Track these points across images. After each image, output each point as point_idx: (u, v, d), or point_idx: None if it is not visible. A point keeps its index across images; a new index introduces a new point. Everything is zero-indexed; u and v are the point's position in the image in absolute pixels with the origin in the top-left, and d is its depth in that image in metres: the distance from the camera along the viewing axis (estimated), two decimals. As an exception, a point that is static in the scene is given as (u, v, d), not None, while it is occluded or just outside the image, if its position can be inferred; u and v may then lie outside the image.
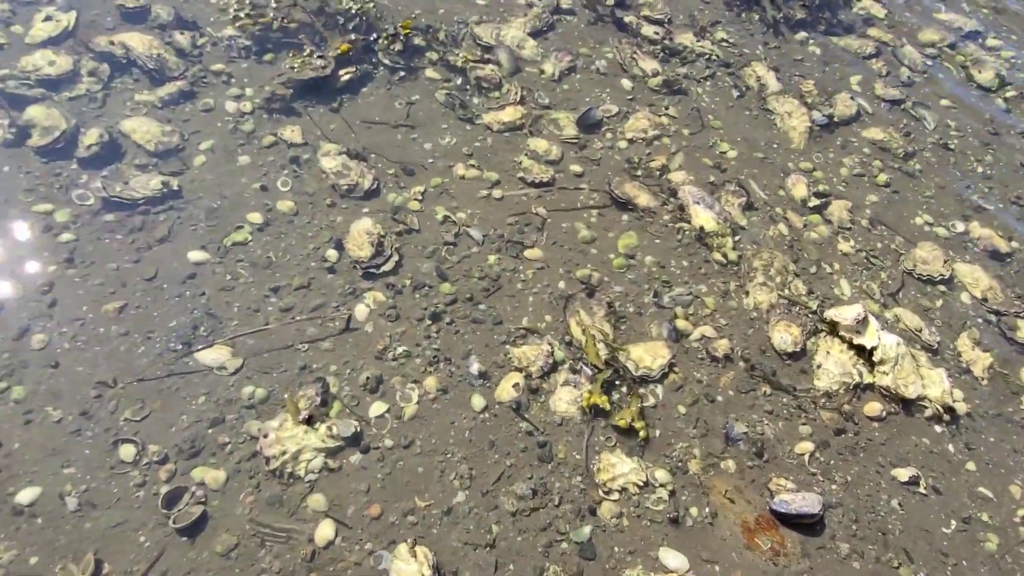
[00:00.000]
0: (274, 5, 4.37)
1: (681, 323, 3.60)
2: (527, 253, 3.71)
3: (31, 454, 2.73)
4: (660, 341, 3.51)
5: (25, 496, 2.63)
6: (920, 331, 3.82)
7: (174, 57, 4.09)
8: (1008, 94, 5.39)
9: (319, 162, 3.85)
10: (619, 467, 3.03)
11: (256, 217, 3.57)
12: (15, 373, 2.91)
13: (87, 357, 3.00)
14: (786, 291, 3.85)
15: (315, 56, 4.18)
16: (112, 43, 4.01)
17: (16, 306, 3.09)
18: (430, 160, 4.04)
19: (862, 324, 3.65)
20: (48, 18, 4.11)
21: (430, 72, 4.46)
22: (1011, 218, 4.54)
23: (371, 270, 3.46)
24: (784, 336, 3.63)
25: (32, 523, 2.59)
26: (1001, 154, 4.93)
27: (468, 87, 4.44)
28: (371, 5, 4.49)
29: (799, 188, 4.36)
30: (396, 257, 3.53)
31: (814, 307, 3.79)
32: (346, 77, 4.21)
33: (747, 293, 3.80)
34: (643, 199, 4.07)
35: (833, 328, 3.70)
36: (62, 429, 2.81)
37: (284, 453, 2.85)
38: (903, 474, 3.27)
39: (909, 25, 5.76)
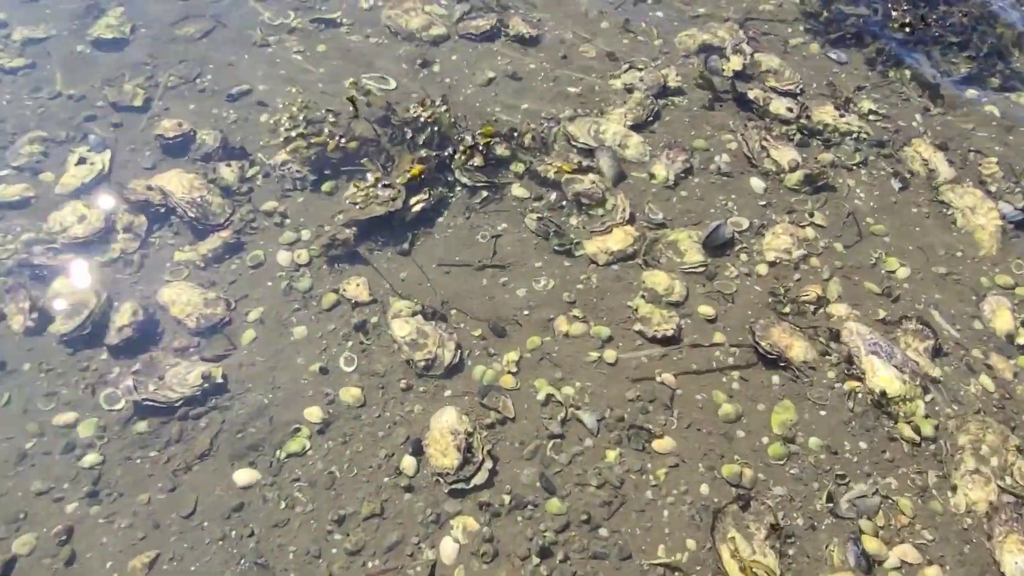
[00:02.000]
0: (331, 120, 3.70)
1: (870, 542, 2.68)
2: (656, 444, 2.88)
3: None
4: (846, 573, 2.60)
5: None
6: None
7: (219, 199, 3.47)
8: None
9: (390, 327, 3.13)
10: None
11: (315, 414, 2.88)
12: (21, 673, 2.30)
13: (108, 646, 2.36)
14: (1008, 480, 2.87)
15: (380, 185, 3.48)
16: (150, 188, 3.43)
17: (27, 567, 2.49)
18: (524, 312, 3.26)
19: None
20: (82, 160, 3.58)
21: (517, 189, 3.69)
22: None
23: (459, 484, 2.71)
24: (1019, 560, 2.65)
25: None
26: None
27: (565, 204, 3.64)
28: (444, 110, 3.76)
29: (1001, 316, 3.34)
30: (489, 463, 2.76)
31: (1051, 503, 2.80)
32: (418, 207, 3.49)
33: (954, 488, 2.84)
34: (797, 350, 3.16)
35: (1086, 541, 2.70)
36: None
37: None
38: None
39: (1108, 67, 4.59)
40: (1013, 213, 3.74)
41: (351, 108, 3.71)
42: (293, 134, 3.58)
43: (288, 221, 3.49)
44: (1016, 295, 3.46)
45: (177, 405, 2.85)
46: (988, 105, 4.30)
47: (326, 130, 3.63)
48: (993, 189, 3.87)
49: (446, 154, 3.67)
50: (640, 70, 4.26)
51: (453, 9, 4.51)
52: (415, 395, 2.98)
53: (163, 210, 3.43)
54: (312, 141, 3.56)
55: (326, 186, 3.60)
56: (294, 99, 3.83)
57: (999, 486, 2.84)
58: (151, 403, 2.83)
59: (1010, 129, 4.18)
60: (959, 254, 3.60)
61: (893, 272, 3.52)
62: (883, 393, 3.01)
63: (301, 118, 3.66)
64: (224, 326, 3.12)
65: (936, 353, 3.23)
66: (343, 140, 3.60)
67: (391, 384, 3.00)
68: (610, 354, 3.13)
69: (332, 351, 3.08)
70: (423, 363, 3.02)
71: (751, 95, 4.15)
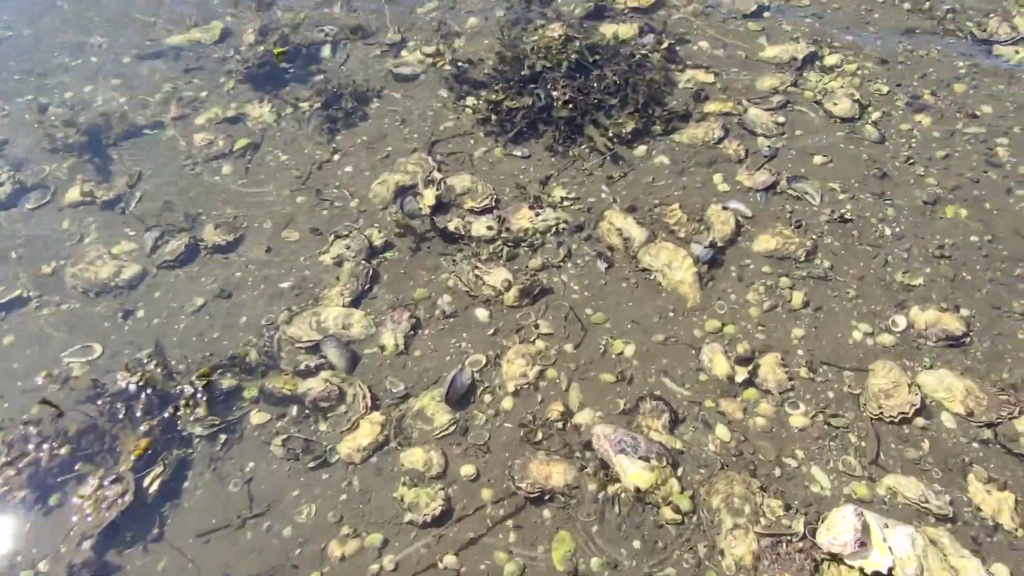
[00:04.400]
0: (35, 432, 3.47)
1: (667, 647, 2.86)
2: (454, 641, 2.92)
3: None
4: None
5: None
6: (925, 501, 3.18)
7: (-67, 567, 3.16)
8: (874, 116, 4.88)
9: (160, 635, 2.98)
10: None
11: None
12: None
13: None
14: (762, 522, 3.16)
15: (107, 482, 3.31)
16: None
17: None
18: (296, 552, 3.20)
19: (863, 533, 2.99)
20: None
21: (257, 416, 3.63)
22: (945, 281, 3.97)
23: None
24: (787, 604, 2.93)
25: None
26: (900, 198, 4.38)
27: (308, 414, 3.62)
28: (153, 367, 3.65)
29: (718, 362, 3.69)
30: None
31: (800, 529, 3.11)
32: (156, 484, 3.35)
33: (722, 552, 3.09)
34: (557, 476, 3.32)
35: (835, 556, 3.03)
36: None
37: None
38: None
39: (742, 81, 5.21)
40: (703, 252, 4.13)
41: (52, 408, 3.50)
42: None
43: (20, 559, 3.23)
44: (725, 335, 3.83)
45: None
46: (659, 156, 4.73)
47: (30, 446, 3.40)
48: (682, 235, 4.26)
49: (168, 413, 3.55)
50: (346, 237, 4.33)
51: (143, 240, 4.38)
52: None
53: None
54: (21, 465, 3.32)
55: (53, 499, 3.37)
56: (-15, 424, 3.58)
57: (755, 533, 3.12)
58: None
59: (682, 172, 4.63)
60: (671, 314, 3.94)
61: (621, 353, 3.79)
62: (637, 489, 3.23)
63: (0, 444, 3.40)
64: None
65: (675, 422, 3.51)
66: (56, 448, 3.40)
67: None
68: (389, 561, 3.14)
69: None
70: (203, 663, 2.89)
71: (451, 226, 4.33)
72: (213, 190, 4.68)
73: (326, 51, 5.65)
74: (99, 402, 3.59)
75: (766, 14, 5.76)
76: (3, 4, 6.14)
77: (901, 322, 3.83)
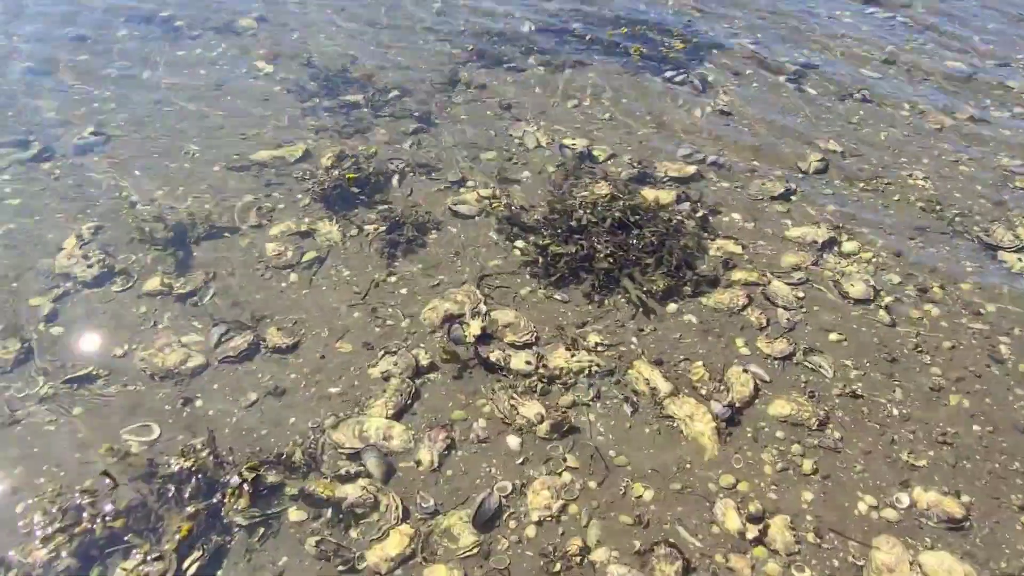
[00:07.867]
0: (89, 502, 3.72)
1: None
2: None
3: None
4: None
5: None
6: None
7: (-28, 624, 3.32)
8: (885, 301, 5.32)
9: None
10: None
11: None
12: None
13: None
14: None
15: (149, 559, 3.51)
16: None
17: None
18: (315, 653, 3.34)
19: None
20: None
21: (294, 513, 3.86)
22: (947, 466, 4.23)
23: None
24: None
25: None
26: (907, 383, 4.72)
27: (341, 517, 3.85)
28: (206, 454, 3.92)
29: (731, 517, 3.91)
30: None
31: None
32: (193, 568, 3.54)
33: None
34: (572, 610, 3.48)
35: None
36: None
37: None
38: None
39: (767, 255, 5.72)
40: (722, 410, 4.45)
41: (108, 481, 3.76)
42: (50, 531, 3.55)
43: (55, 627, 3.39)
44: (739, 492, 4.07)
45: None
46: (687, 315, 5.16)
47: (85, 515, 3.64)
48: (704, 392, 4.59)
49: (215, 500, 3.79)
50: (394, 354, 4.71)
51: (209, 334, 4.77)
52: None
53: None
54: (73, 533, 3.55)
55: (95, 572, 3.56)
56: (43, 491, 3.82)
57: None
58: None
59: (707, 332, 5.03)
60: (688, 464, 4.20)
61: (640, 497, 4.03)
62: (648, 634, 3.39)
63: (55, 510, 3.65)
64: None
65: (687, 571, 3.70)
66: (108, 519, 3.63)
67: None
68: (403, 674, 3.27)
69: None
70: None
71: (493, 357, 4.70)
72: (279, 296, 5.12)
73: (394, 181, 6.28)
74: (151, 482, 3.85)
75: (792, 197, 6.37)
76: (119, 108, 6.94)
77: (904, 500, 4.06)
